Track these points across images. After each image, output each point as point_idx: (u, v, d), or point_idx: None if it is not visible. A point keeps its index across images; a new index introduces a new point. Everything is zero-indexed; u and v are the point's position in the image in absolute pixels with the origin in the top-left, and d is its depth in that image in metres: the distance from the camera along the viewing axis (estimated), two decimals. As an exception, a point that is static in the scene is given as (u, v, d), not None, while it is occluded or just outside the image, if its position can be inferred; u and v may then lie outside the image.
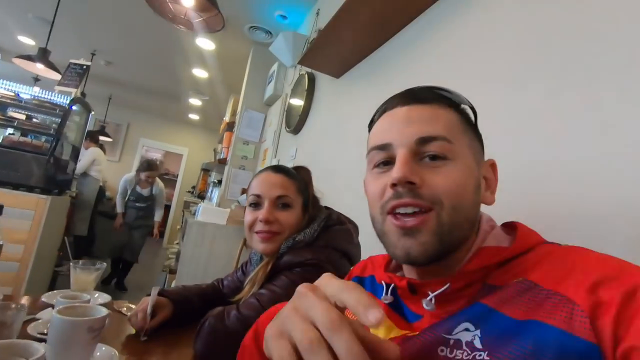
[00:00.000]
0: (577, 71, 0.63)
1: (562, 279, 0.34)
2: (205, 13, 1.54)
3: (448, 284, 0.39)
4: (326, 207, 0.87)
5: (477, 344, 0.35)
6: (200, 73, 4.14)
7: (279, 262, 0.73)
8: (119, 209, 3.46)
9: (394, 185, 0.39)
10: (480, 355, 0.34)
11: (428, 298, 0.40)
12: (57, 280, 2.84)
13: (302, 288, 0.28)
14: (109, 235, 3.64)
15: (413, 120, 0.42)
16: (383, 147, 0.43)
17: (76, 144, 2.68)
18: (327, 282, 0.28)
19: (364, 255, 0.82)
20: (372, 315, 0.23)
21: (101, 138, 4.51)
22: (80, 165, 3.39)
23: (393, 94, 0.47)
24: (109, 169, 5.18)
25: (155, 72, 4.45)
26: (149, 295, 0.74)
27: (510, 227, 0.45)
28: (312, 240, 0.75)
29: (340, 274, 0.71)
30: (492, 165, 0.48)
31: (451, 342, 0.37)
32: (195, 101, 5.37)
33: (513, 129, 0.73)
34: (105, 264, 0.87)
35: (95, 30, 3.49)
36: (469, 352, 0.35)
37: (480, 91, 0.84)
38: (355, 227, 0.86)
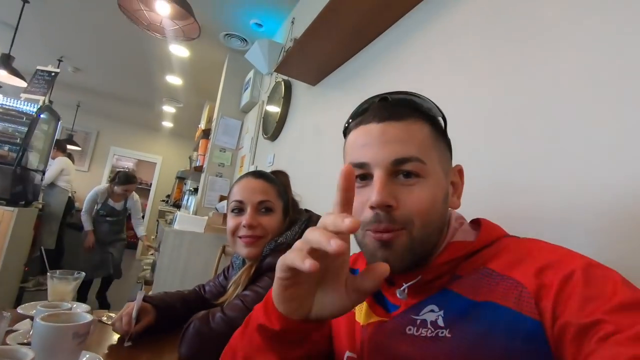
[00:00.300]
0: (530, 86, 0.70)
1: (515, 266, 0.39)
2: (181, 21, 1.54)
3: (420, 276, 0.44)
4: (306, 210, 0.90)
5: (440, 322, 0.40)
6: (174, 80, 4.09)
7: (262, 264, 0.75)
8: (87, 226, 3.03)
9: (372, 207, 0.43)
10: (442, 332, 0.39)
11: (401, 288, 0.45)
12: (22, 297, 2.70)
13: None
14: (78, 249, 3.46)
15: (388, 140, 0.44)
16: (361, 165, 0.45)
17: (44, 154, 2.58)
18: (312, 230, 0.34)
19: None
20: (347, 220, 0.31)
21: (69, 147, 4.34)
22: (48, 176, 3.25)
23: (367, 97, 0.50)
24: (77, 179, 4.97)
25: (126, 79, 4.35)
26: (132, 300, 0.74)
27: (477, 223, 0.50)
28: (293, 242, 0.77)
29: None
30: (460, 171, 0.52)
31: (418, 322, 0.42)
32: (169, 108, 5.28)
33: (476, 137, 0.80)
34: (83, 273, 0.86)
35: (63, 36, 3.39)
36: (433, 329, 0.40)
37: (448, 99, 0.90)
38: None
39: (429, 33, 1.06)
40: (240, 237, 0.78)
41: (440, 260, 0.44)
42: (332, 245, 0.29)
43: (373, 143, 0.45)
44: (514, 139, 0.71)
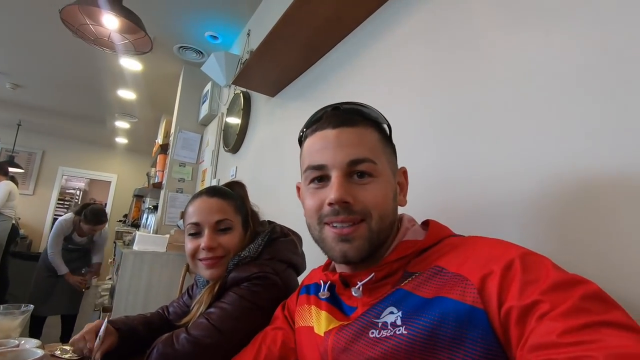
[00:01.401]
0: (473, 89, 0.76)
1: (462, 263, 0.43)
2: (131, 35, 1.50)
3: (373, 274, 0.47)
4: (269, 222, 0.90)
5: (398, 322, 0.43)
6: (126, 94, 3.92)
7: (226, 280, 0.74)
8: (63, 270, 2.57)
9: (331, 204, 0.47)
10: (399, 330, 0.42)
11: (357, 287, 0.48)
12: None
13: None
14: (25, 279, 3.16)
15: (343, 144, 0.49)
16: (319, 168, 0.50)
17: (-20, 179, 2.36)
18: None
19: (309, 263, 0.87)
20: None
21: (10, 169, 3.99)
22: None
23: (323, 106, 0.55)
24: (22, 204, 4.59)
25: (73, 95, 4.10)
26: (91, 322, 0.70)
27: (426, 224, 0.55)
28: (257, 255, 0.77)
29: (287, 284, 0.75)
30: (404, 172, 0.58)
31: (379, 324, 0.44)
32: (122, 124, 5.04)
33: (425, 139, 0.85)
34: (31, 305, 0.80)
35: (-1, 51, 3.14)
36: (392, 329, 0.43)
37: (397, 106, 0.95)
38: (299, 238, 0.90)
39: (378, 45, 1.11)
40: (200, 260, 0.76)
41: (391, 258, 0.48)
42: None
43: (329, 146, 0.50)
44: (454, 141, 0.76)
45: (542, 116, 0.60)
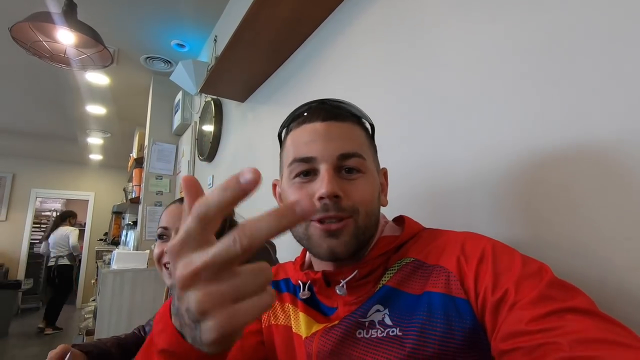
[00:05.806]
0: (430, 79, 0.76)
1: (440, 255, 0.44)
2: (90, 49, 1.45)
3: (356, 271, 0.47)
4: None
5: (388, 321, 0.42)
6: (96, 110, 3.80)
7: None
8: None
9: (321, 198, 0.44)
10: (392, 331, 0.42)
11: (340, 284, 0.47)
12: None
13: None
14: (2, 309, 3.02)
15: (333, 137, 0.47)
16: (307, 160, 0.47)
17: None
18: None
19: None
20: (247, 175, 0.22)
21: (-22, 196, 3.82)
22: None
23: (306, 102, 0.53)
24: (-7, 231, 4.40)
25: (40, 114, 3.95)
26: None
27: (399, 220, 0.55)
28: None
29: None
30: (385, 173, 0.57)
31: (366, 324, 0.44)
32: (95, 140, 4.89)
33: (400, 133, 0.85)
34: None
35: (-46, 74, 3.00)
36: (382, 329, 0.42)
37: (362, 101, 0.95)
38: (273, 245, 0.89)
39: (340, 43, 1.11)
40: (165, 266, 0.76)
41: (374, 254, 0.48)
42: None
43: (318, 139, 0.47)
44: (425, 134, 0.77)
45: (493, 101, 0.61)
